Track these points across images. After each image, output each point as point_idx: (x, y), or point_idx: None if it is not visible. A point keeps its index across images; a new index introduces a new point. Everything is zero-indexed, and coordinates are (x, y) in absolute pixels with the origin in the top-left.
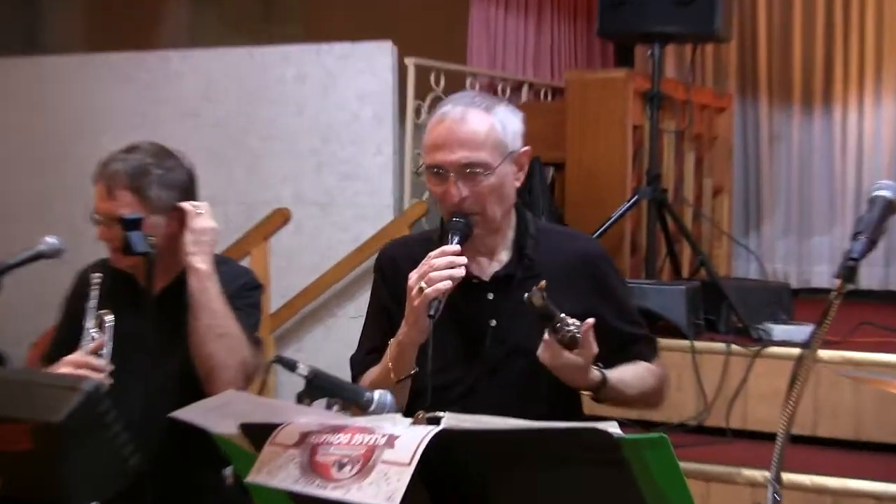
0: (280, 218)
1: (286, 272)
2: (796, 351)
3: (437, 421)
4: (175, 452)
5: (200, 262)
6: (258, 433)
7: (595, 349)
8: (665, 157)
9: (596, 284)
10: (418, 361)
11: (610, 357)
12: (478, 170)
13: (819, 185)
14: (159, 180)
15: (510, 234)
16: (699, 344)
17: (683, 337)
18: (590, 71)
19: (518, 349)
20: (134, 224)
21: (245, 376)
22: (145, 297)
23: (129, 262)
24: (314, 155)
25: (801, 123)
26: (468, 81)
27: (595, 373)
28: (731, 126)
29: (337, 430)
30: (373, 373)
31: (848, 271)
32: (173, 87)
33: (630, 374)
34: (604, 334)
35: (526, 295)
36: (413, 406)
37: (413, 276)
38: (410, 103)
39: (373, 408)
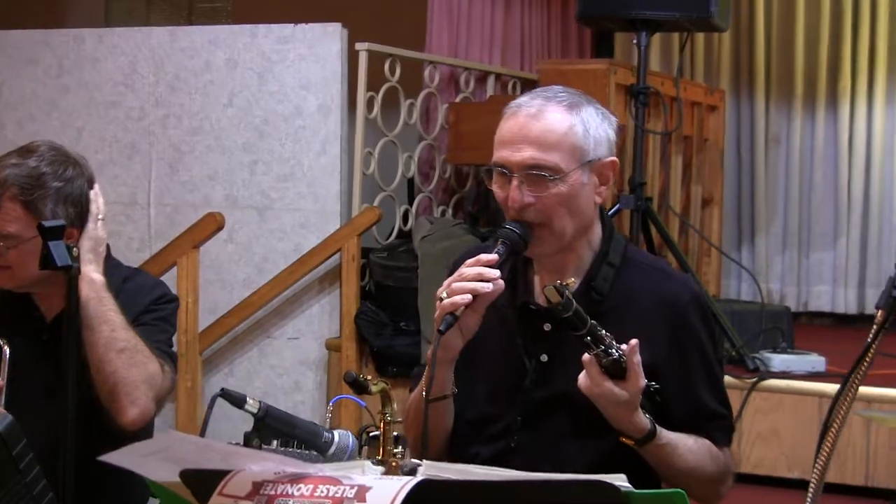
0: (212, 223)
1: (215, 286)
2: (799, 384)
3: (413, 470)
4: (84, 492)
5: (95, 271)
6: (203, 481)
7: (642, 381)
8: (650, 161)
9: (680, 337)
10: (457, 382)
11: (675, 428)
12: (545, 173)
13: (822, 194)
14: (56, 194)
15: (587, 259)
16: None
17: None
18: (566, 61)
19: (563, 398)
20: (55, 233)
21: (154, 394)
22: (68, 321)
23: (15, 282)
24: (248, 152)
25: (803, 124)
26: (427, 71)
27: (643, 418)
28: (722, 127)
29: (297, 479)
30: (414, 394)
31: (893, 301)
32: (86, 71)
33: (689, 445)
34: (677, 398)
35: (545, 287)
36: (460, 438)
37: (444, 284)
38: (361, 94)
39: (332, 450)
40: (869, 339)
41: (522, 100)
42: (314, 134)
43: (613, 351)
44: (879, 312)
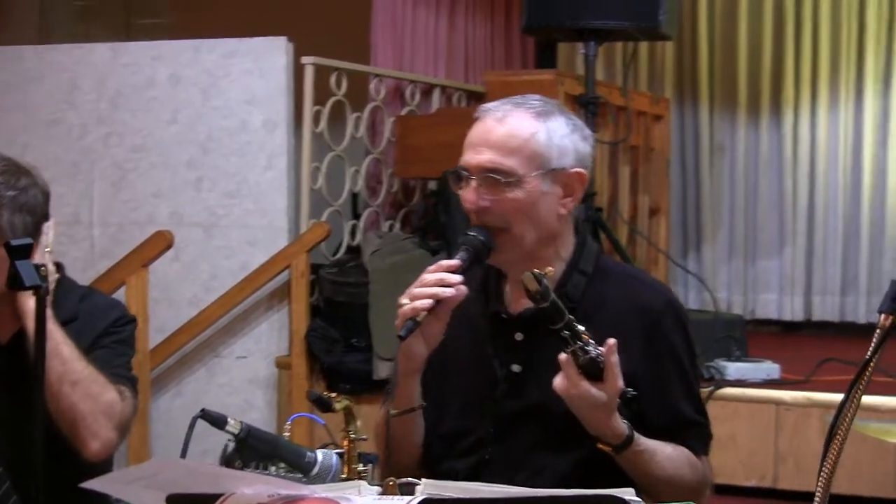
0: (161, 241)
1: (162, 305)
2: (754, 392)
3: (411, 490)
4: None
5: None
6: None
7: (619, 383)
8: (599, 171)
9: (655, 344)
10: (425, 395)
11: (652, 437)
12: (498, 177)
13: (767, 202)
14: (12, 203)
15: (558, 269)
16: None
17: None
18: (512, 72)
19: (537, 406)
20: (23, 251)
21: (115, 423)
22: (38, 340)
23: None
24: (193, 168)
25: (747, 132)
26: (373, 84)
27: (621, 423)
28: (668, 136)
29: (292, 502)
30: (385, 409)
31: None
32: (26, 89)
33: (667, 453)
34: (654, 406)
35: (523, 274)
36: (434, 453)
37: (409, 289)
38: (308, 109)
39: (316, 470)
40: (873, 346)
41: (493, 105)
42: (260, 149)
43: (591, 349)
44: (883, 317)
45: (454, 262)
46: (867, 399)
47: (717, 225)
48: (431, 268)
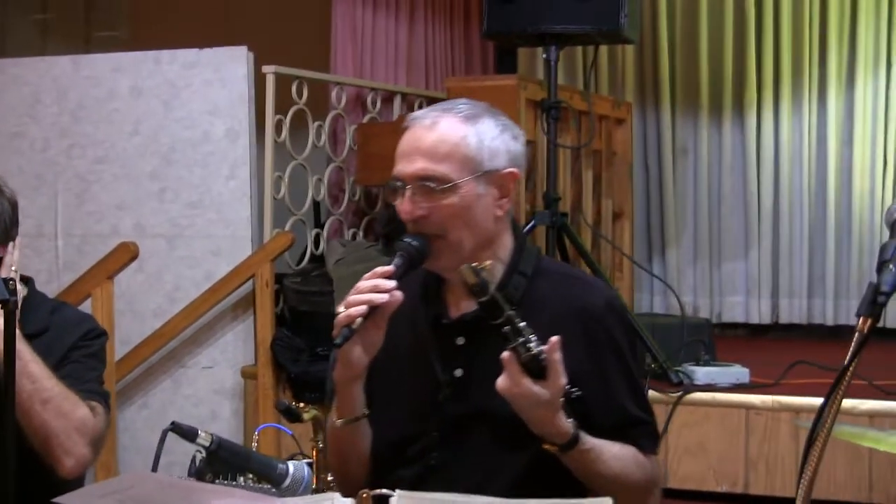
0: (125, 253)
1: (127, 316)
2: (724, 396)
3: (385, 502)
4: None
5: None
6: None
7: (563, 380)
8: (562, 176)
9: (597, 343)
10: (369, 403)
11: (600, 436)
12: (432, 184)
13: (731, 204)
14: None
15: (497, 272)
16: None
17: None
18: (474, 78)
19: (480, 412)
20: None
21: (88, 440)
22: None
23: None
24: (155, 179)
25: (710, 134)
26: (333, 92)
27: (566, 422)
28: (630, 140)
29: None
30: (330, 422)
31: (877, 308)
32: None
33: (613, 452)
34: (599, 406)
35: (462, 266)
36: (381, 462)
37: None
38: (270, 118)
39: (287, 482)
40: (852, 350)
41: (420, 113)
42: (223, 159)
43: (533, 345)
44: (861, 320)
45: (388, 268)
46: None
47: (682, 228)
48: (367, 275)
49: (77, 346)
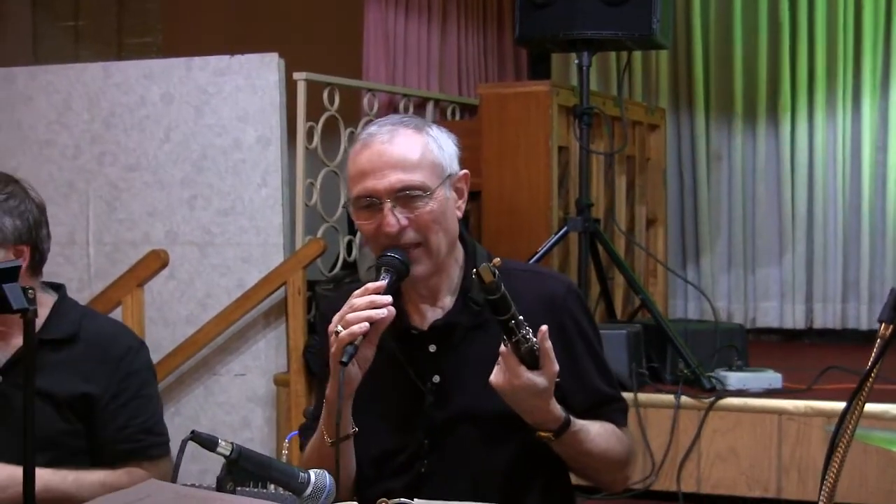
0: (156, 260)
1: (158, 324)
2: (756, 402)
3: None
4: None
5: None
6: None
7: (556, 367)
8: (595, 183)
9: (565, 329)
10: (357, 419)
11: (577, 418)
12: (416, 192)
13: (765, 210)
14: (0, 206)
15: (456, 276)
16: (643, 396)
17: (625, 389)
18: (507, 84)
19: (465, 413)
20: (9, 274)
21: None
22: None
23: None
24: (187, 187)
25: (744, 141)
26: (365, 99)
27: (558, 408)
28: (663, 146)
29: None
30: (312, 442)
31: None
32: (19, 110)
33: (597, 430)
34: (573, 389)
35: (475, 270)
36: (365, 478)
37: (334, 319)
38: (301, 125)
39: (309, 491)
40: (874, 356)
41: (370, 130)
42: (254, 166)
43: (531, 337)
44: (883, 326)
45: (380, 283)
46: (871, 407)
47: (716, 234)
48: (358, 292)
49: (123, 378)
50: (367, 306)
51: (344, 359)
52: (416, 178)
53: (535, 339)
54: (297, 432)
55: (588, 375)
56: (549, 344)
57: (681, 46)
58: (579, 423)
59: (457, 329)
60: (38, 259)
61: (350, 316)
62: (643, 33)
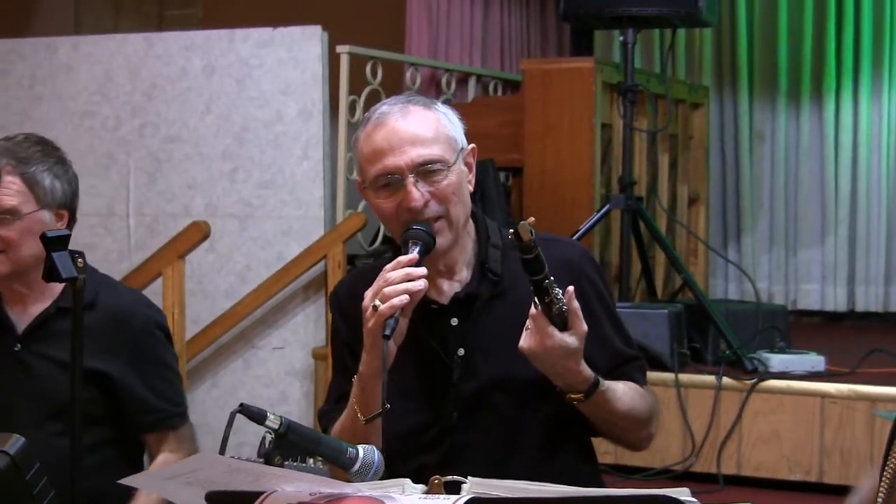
0: (197, 232)
1: (197, 296)
2: (799, 384)
3: (457, 488)
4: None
5: None
6: None
7: (584, 326)
8: (637, 160)
9: (584, 292)
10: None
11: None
12: (437, 166)
13: (808, 190)
14: (52, 169)
15: (470, 248)
16: (684, 377)
17: (666, 369)
18: (550, 60)
19: (494, 382)
20: (59, 242)
21: None
22: (75, 332)
23: (9, 266)
24: (227, 159)
25: (788, 120)
26: (408, 73)
27: (587, 369)
28: (706, 125)
29: (334, 501)
30: (341, 421)
31: None
32: (60, 80)
33: (622, 388)
34: (595, 350)
35: (511, 230)
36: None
37: (368, 294)
38: (344, 98)
39: (357, 466)
40: None
41: (382, 110)
42: (295, 140)
43: (561, 297)
44: None
45: (412, 256)
46: None
47: (758, 214)
48: (390, 266)
49: (147, 346)
50: (404, 279)
51: (387, 332)
52: (435, 151)
53: (564, 300)
54: None
55: (608, 337)
56: (576, 304)
57: (725, 24)
58: (607, 384)
59: (477, 301)
60: (71, 227)
61: (388, 290)
62: (689, 10)
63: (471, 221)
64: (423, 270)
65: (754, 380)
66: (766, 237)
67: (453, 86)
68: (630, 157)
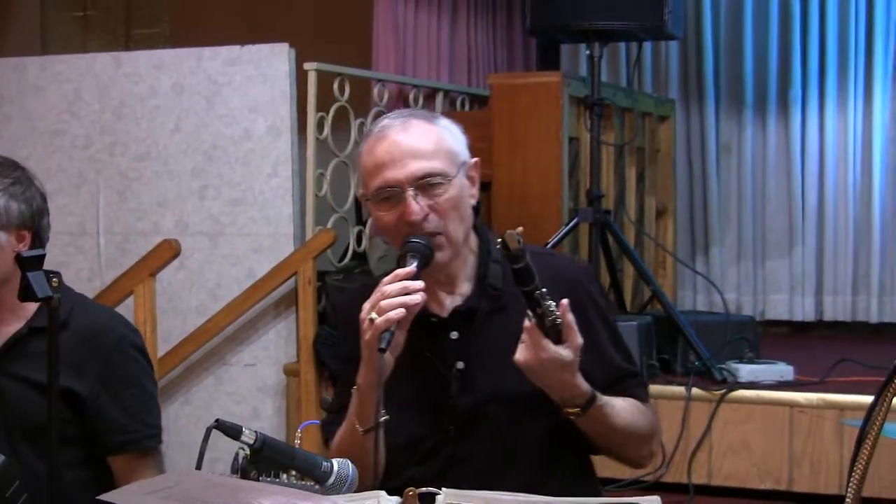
0: (168, 250)
1: (168, 314)
2: (768, 394)
3: (431, 500)
4: None
5: None
6: None
7: (580, 338)
8: (605, 173)
9: (582, 308)
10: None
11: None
12: (437, 179)
13: (776, 202)
14: (6, 190)
15: (471, 262)
16: (654, 388)
17: None
18: (517, 75)
19: (492, 396)
20: (34, 262)
21: None
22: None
23: None
24: (197, 177)
25: (755, 132)
26: (376, 89)
27: (583, 383)
28: (673, 137)
29: None
30: (341, 432)
31: None
32: (29, 100)
33: (621, 403)
34: (594, 366)
35: (500, 239)
36: (391, 465)
37: (365, 307)
38: (312, 115)
39: (331, 480)
40: None
41: (383, 123)
42: (264, 157)
43: (555, 310)
44: None
45: (410, 269)
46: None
47: (726, 226)
48: (388, 279)
49: (117, 370)
50: (401, 292)
51: (382, 345)
52: (435, 165)
53: (558, 313)
54: (310, 422)
55: (607, 352)
56: (571, 317)
57: (690, 37)
58: (604, 398)
59: (477, 314)
60: (38, 247)
61: (384, 303)
62: (655, 24)
63: (473, 235)
64: (420, 284)
65: (723, 390)
66: (734, 248)
67: (421, 101)
68: (598, 171)
